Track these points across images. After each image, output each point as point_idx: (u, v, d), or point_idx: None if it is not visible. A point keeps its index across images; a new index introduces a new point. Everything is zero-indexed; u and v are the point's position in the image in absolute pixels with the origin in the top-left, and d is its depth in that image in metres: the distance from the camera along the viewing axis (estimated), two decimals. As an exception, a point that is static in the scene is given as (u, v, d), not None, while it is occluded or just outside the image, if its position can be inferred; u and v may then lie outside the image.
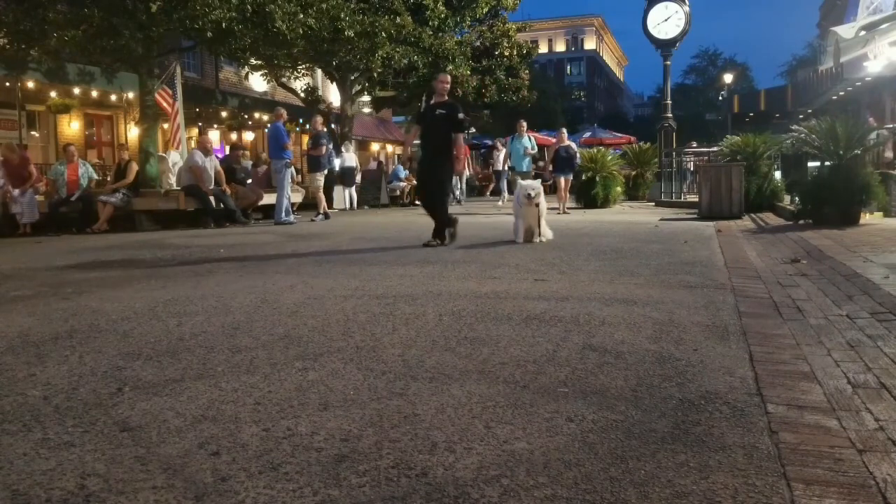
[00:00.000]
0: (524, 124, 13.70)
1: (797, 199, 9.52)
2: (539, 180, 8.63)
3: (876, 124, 12.07)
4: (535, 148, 14.01)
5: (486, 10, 20.81)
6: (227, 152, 15.46)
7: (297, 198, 12.98)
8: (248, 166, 13.87)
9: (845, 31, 14.65)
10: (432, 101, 7.55)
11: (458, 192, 18.42)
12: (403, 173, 19.65)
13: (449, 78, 7.72)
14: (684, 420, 2.09)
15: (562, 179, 13.37)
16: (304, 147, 13.76)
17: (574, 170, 13.87)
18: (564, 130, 14.02)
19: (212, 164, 11.70)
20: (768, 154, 12.06)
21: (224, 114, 20.52)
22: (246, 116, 21.14)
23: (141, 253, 7.40)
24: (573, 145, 14.01)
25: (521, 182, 7.74)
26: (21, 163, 11.18)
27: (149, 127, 12.87)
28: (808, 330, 3.21)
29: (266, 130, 21.35)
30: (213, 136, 21.22)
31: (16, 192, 10.75)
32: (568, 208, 13.25)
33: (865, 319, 3.36)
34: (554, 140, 29.43)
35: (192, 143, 14.01)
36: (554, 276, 4.96)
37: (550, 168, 13.83)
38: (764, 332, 3.18)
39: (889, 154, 10.43)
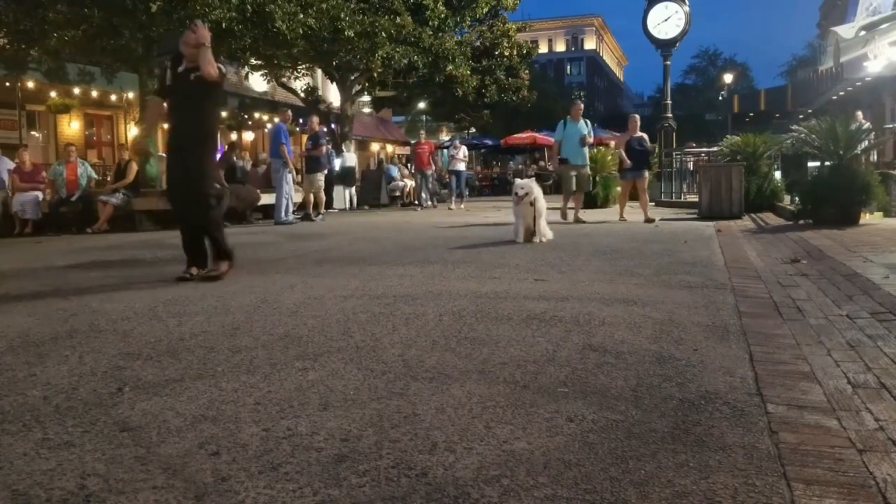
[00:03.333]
0: (581, 106, 10.90)
1: (797, 199, 9.53)
2: (533, 179, 8.62)
3: (867, 123, 12.09)
4: (592, 136, 11.02)
5: (486, 10, 20.79)
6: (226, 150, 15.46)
7: (298, 197, 12.97)
8: (246, 166, 13.89)
9: (845, 31, 14.67)
10: (182, 67, 5.04)
11: (424, 197, 17.08)
12: (396, 171, 19.61)
13: (200, 27, 5.04)
14: (684, 420, 2.09)
15: (634, 181, 10.69)
16: (303, 148, 13.70)
17: (650, 166, 11.31)
18: (637, 118, 11.16)
19: None
20: (768, 154, 12.07)
21: (224, 114, 20.51)
22: (246, 116, 21.13)
23: (141, 253, 7.40)
24: (646, 137, 11.15)
25: (517, 181, 7.75)
26: (34, 169, 11.71)
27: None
28: (808, 330, 3.21)
29: (266, 130, 21.36)
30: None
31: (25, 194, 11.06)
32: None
33: (865, 319, 3.36)
34: (553, 141, 28.28)
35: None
36: (554, 276, 4.95)
37: (622, 167, 10.84)
38: (764, 332, 3.18)
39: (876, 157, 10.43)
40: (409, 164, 21.68)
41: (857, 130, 8.92)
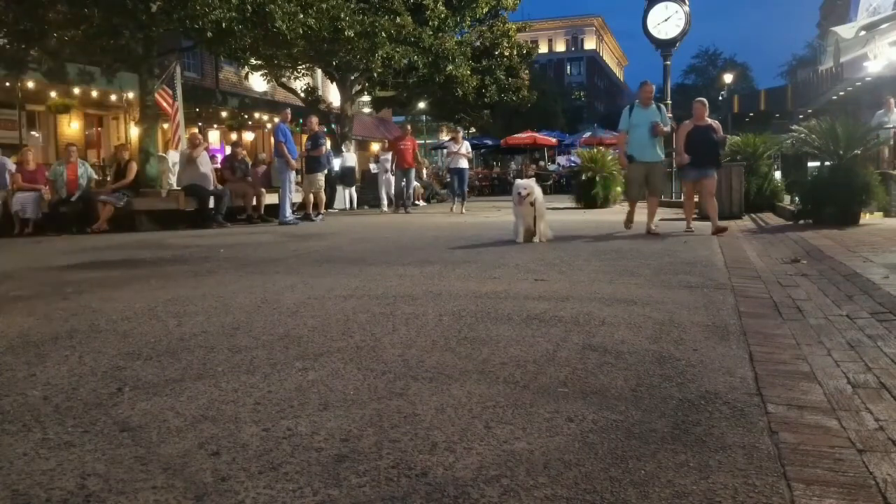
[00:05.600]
0: (651, 88, 8.54)
1: (797, 199, 9.53)
2: (534, 179, 8.60)
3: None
4: (669, 125, 8.63)
5: (486, 10, 20.80)
6: (228, 152, 15.48)
7: (297, 197, 13.00)
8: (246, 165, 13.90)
9: (845, 31, 14.67)
10: None
11: (410, 195, 15.50)
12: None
13: None
14: (684, 420, 2.09)
15: (699, 181, 8.29)
16: (303, 148, 13.68)
17: (720, 164, 8.62)
18: (703, 103, 8.49)
19: (206, 160, 11.90)
20: (768, 154, 12.06)
21: (224, 114, 20.52)
22: (246, 116, 21.14)
23: (141, 253, 7.40)
24: (718, 125, 8.59)
25: (518, 181, 7.74)
26: (37, 169, 11.66)
27: (149, 127, 12.87)
28: (808, 330, 3.21)
29: (266, 130, 21.36)
30: (213, 136, 21.24)
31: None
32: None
33: (865, 319, 3.36)
34: (554, 140, 27.17)
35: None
36: (554, 276, 4.95)
37: (683, 160, 8.36)
38: (764, 332, 3.18)
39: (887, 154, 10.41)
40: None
41: (862, 129, 8.90)
